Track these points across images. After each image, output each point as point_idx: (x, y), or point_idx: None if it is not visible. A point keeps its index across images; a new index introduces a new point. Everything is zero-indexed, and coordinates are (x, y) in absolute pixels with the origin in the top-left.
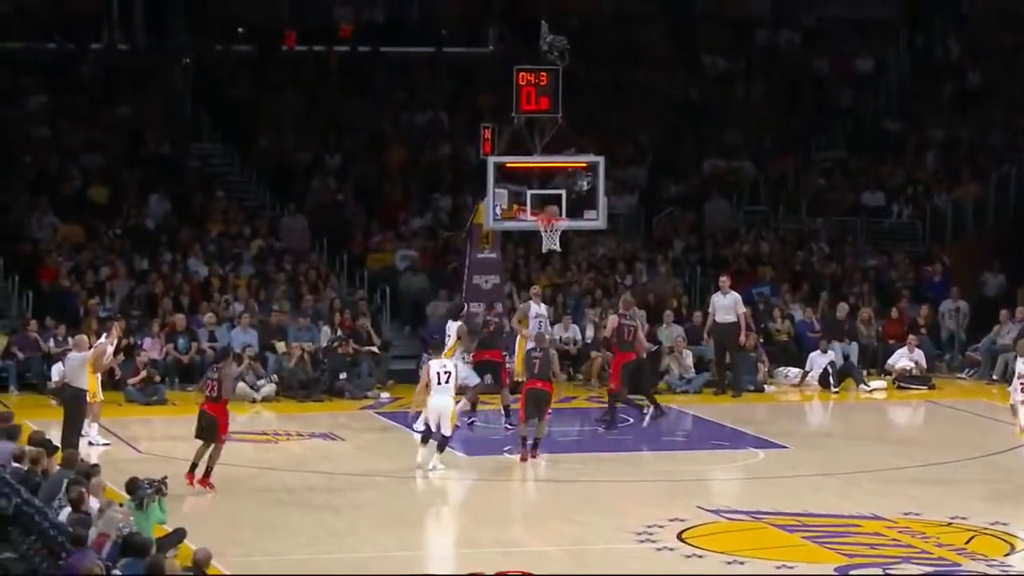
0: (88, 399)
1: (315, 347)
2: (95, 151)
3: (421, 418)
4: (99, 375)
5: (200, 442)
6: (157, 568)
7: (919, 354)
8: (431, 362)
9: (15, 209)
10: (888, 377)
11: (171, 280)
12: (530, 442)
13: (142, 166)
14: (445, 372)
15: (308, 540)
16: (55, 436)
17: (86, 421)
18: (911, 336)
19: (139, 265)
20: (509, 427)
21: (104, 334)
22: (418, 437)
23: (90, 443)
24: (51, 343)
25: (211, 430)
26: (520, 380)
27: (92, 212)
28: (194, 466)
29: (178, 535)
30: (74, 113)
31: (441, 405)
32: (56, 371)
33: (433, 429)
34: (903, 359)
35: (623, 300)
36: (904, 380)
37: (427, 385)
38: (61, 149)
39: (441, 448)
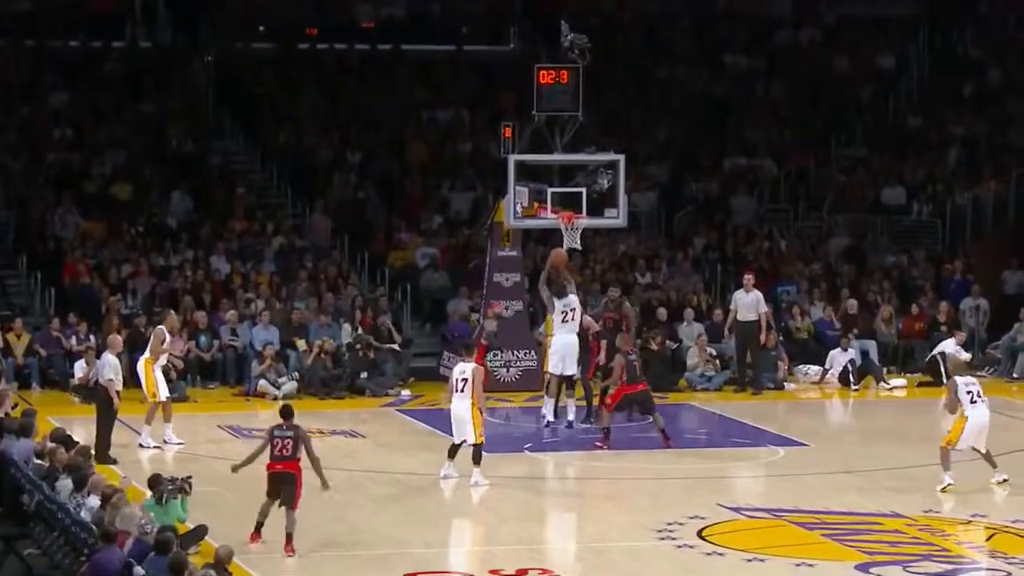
0: (148, 399)
1: (336, 345)
2: (118, 148)
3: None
4: (159, 376)
5: (266, 499)
6: (179, 564)
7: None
8: (455, 367)
9: (38, 206)
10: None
11: (193, 277)
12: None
13: (164, 163)
14: (463, 380)
15: (329, 537)
16: (77, 433)
17: (156, 422)
18: (958, 333)
19: (161, 262)
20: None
21: (160, 322)
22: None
23: (165, 441)
24: (73, 340)
25: (291, 493)
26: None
27: (115, 209)
28: (260, 525)
29: (199, 532)
30: (97, 110)
31: (458, 412)
32: (78, 368)
33: (456, 439)
34: (963, 352)
35: (620, 339)
36: (928, 370)
37: (451, 390)
38: (84, 146)
39: (476, 459)
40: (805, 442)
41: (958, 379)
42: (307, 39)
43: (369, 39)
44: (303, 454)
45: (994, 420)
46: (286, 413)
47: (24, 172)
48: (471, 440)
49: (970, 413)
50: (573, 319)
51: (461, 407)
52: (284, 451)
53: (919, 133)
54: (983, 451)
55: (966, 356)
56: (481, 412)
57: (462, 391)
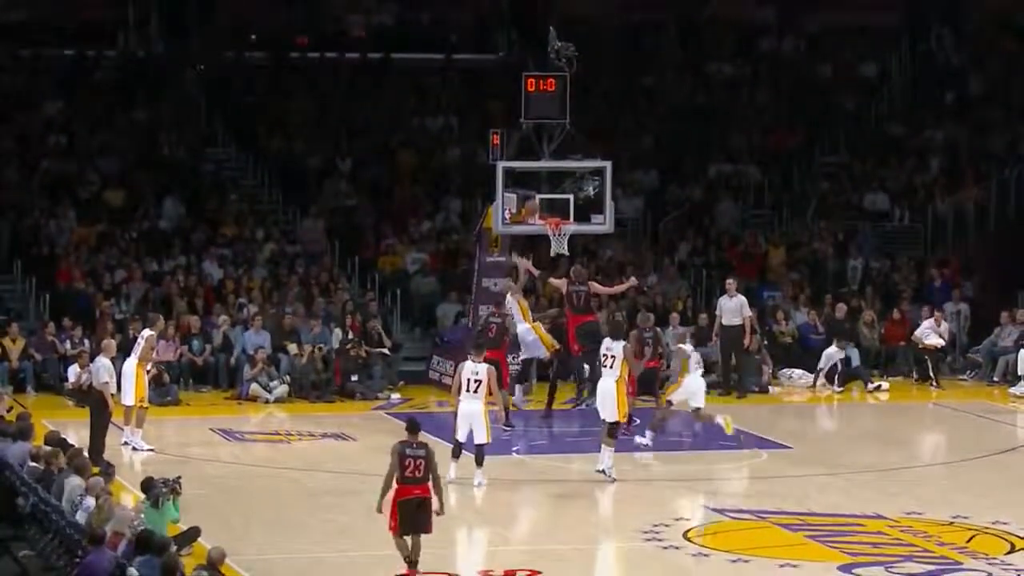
0: (135, 402)
1: (327, 348)
2: (111, 155)
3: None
4: (147, 379)
5: (400, 538)
6: (172, 566)
7: (945, 327)
8: (464, 365)
9: (33, 212)
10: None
11: (185, 282)
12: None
13: (157, 170)
14: (476, 380)
15: (320, 539)
16: (71, 436)
17: (129, 427)
18: (936, 312)
19: (154, 267)
20: (506, 429)
21: (147, 327)
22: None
23: (134, 448)
24: (67, 344)
25: (427, 519)
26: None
27: (108, 215)
28: (411, 561)
29: (192, 533)
30: (90, 118)
31: (471, 412)
32: (72, 372)
33: (463, 439)
34: (932, 336)
35: (574, 270)
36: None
37: (458, 389)
38: (78, 153)
39: (479, 460)
40: (789, 445)
41: (683, 347)
42: (298, 48)
43: (359, 48)
44: None
45: (976, 423)
46: (413, 428)
47: (19, 179)
48: (480, 439)
49: (687, 378)
50: (613, 367)
51: (474, 407)
52: (417, 472)
53: (901, 140)
54: (698, 409)
55: (936, 341)
56: (498, 406)
57: (475, 392)
